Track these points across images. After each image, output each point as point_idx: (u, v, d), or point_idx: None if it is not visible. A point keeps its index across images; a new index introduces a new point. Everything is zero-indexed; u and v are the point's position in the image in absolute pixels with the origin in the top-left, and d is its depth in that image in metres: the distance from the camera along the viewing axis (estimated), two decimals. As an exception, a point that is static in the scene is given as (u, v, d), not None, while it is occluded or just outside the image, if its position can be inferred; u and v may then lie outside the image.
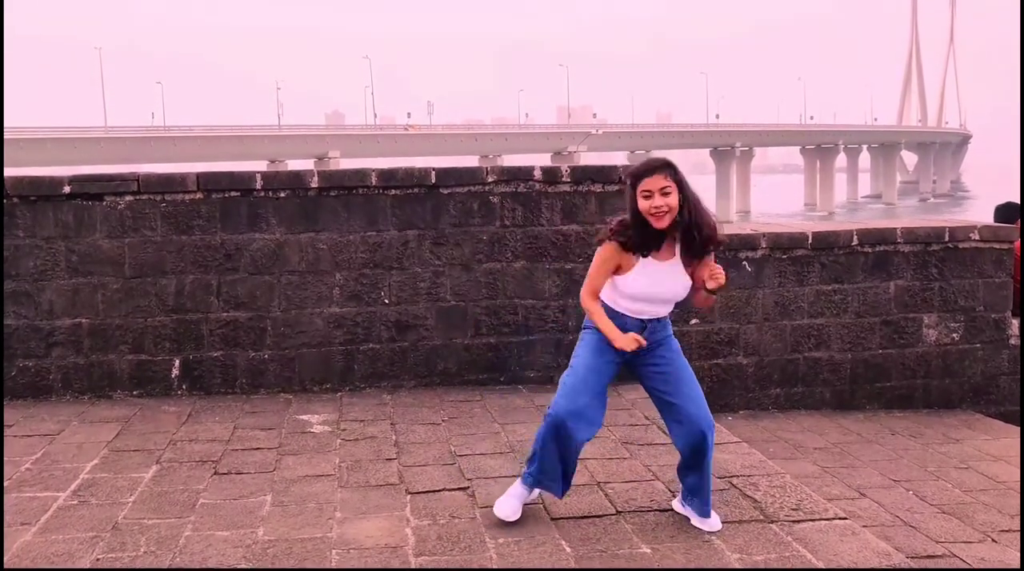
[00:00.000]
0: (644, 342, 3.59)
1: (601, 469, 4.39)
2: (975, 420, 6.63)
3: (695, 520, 3.72)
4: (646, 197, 3.48)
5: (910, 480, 5.14)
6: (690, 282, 3.64)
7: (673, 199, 3.47)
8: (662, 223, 3.49)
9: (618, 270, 3.62)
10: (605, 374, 3.70)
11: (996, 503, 4.80)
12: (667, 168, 3.51)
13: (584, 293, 3.72)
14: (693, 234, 3.54)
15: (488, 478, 4.25)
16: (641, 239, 3.54)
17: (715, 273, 3.56)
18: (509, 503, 3.77)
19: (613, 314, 3.69)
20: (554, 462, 3.67)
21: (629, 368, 3.75)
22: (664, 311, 3.71)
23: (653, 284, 3.60)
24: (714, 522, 3.70)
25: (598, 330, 3.71)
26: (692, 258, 3.61)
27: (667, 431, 3.86)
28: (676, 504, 3.87)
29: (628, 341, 3.59)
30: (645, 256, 3.57)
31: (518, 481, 3.82)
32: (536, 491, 3.83)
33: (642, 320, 3.66)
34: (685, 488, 3.77)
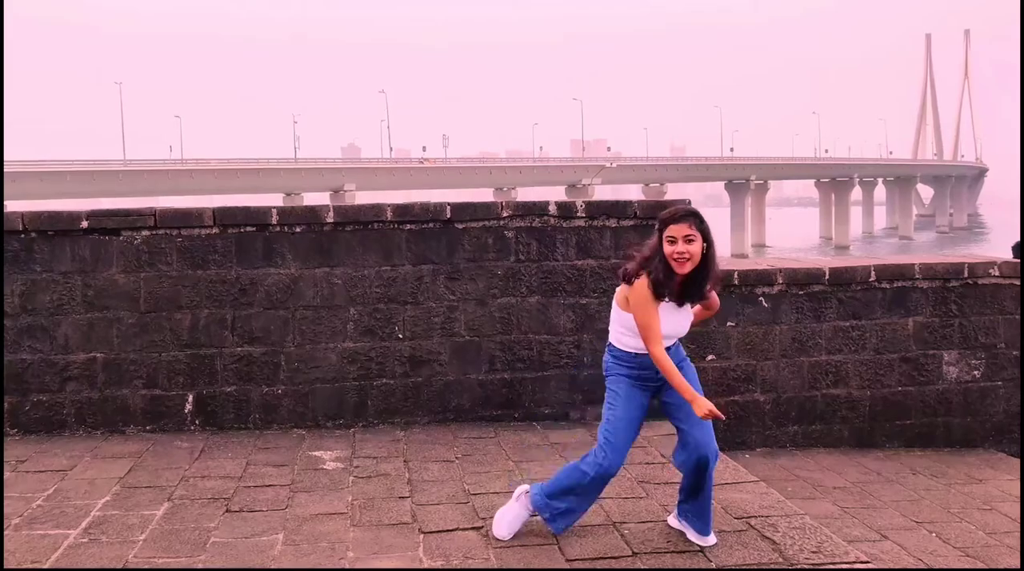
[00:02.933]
0: (721, 415, 3.61)
1: (617, 509, 4.32)
2: (997, 459, 6.51)
3: (691, 535, 3.90)
4: (671, 242, 3.64)
5: (933, 521, 5.04)
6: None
7: (696, 247, 3.62)
8: (683, 269, 3.63)
9: None
10: (639, 420, 3.88)
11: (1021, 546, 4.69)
12: (693, 217, 3.67)
13: (655, 346, 3.66)
14: (699, 281, 3.69)
15: (502, 518, 4.18)
16: (664, 281, 3.65)
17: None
18: (509, 524, 3.95)
19: (634, 357, 3.80)
20: (584, 508, 3.91)
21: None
22: (672, 343, 3.86)
23: (677, 324, 3.78)
24: (711, 538, 3.88)
25: (624, 376, 3.83)
26: (688, 300, 3.76)
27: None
28: (672, 520, 4.06)
29: (707, 408, 3.57)
30: (665, 299, 3.68)
31: (527, 507, 3.94)
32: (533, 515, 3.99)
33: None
34: (685, 507, 3.93)
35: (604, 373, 3.96)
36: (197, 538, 3.96)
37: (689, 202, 6.14)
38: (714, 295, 3.91)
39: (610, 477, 3.84)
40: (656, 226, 3.71)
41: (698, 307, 3.91)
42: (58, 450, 5.33)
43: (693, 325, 3.91)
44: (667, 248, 3.63)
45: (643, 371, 3.82)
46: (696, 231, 3.62)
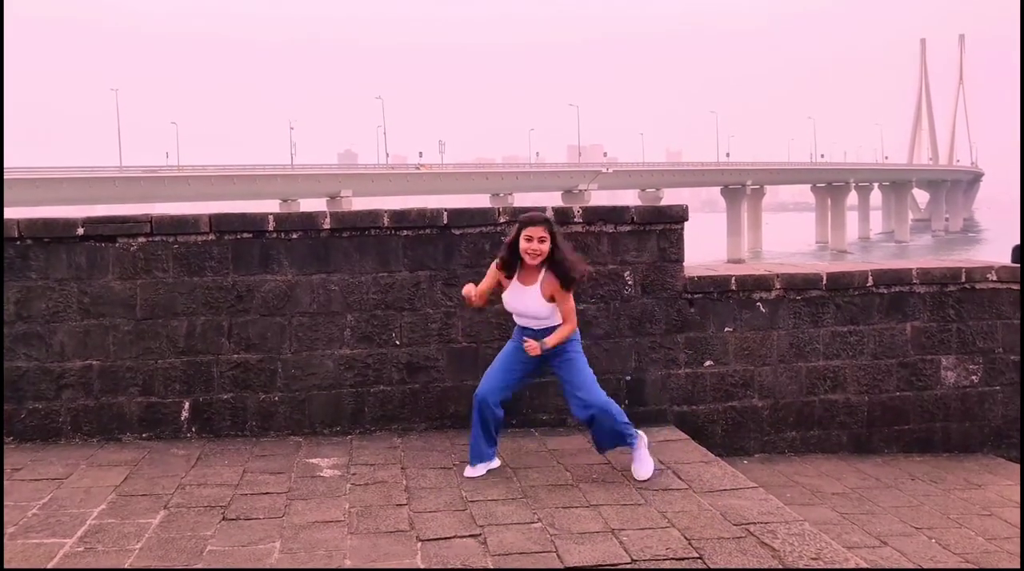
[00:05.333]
0: (537, 350, 4.77)
1: (615, 515, 4.31)
2: (997, 464, 6.51)
3: (633, 468, 4.85)
4: (527, 240, 4.71)
5: (932, 527, 5.03)
6: (547, 305, 4.76)
7: (545, 247, 4.70)
8: (534, 261, 4.72)
9: (499, 287, 4.90)
10: (511, 365, 4.92)
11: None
12: (547, 223, 4.73)
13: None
14: (563, 273, 4.70)
15: (500, 525, 4.17)
16: (511, 264, 4.80)
17: (530, 346, 4.79)
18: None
19: (520, 330, 4.95)
20: (482, 436, 4.90)
21: (545, 364, 4.95)
22: (535, 324, 4.84)
23: (515, 300, 4.85)
24: (645, 467, 4.85)
25: (512, 341, 4.98)
26: (561, 289, 4.73)
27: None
28: (635, 471, 4.86)
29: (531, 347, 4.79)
30: (511, 278, 4.83)
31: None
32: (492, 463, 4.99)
33: (529, 329, 4.86)
34: (611, 445, 4.97)
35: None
36: (193, 546, 3.94)
37: (684, 208, 6.17)
38: (569, 304, 4.80)
39: (480, 404, 4.83)
40: (516, 225, 4.76)
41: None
42: (54, 458, 5.30)
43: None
44: (523, 244, 4.70)
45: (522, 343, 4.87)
46: (548, 234, 4.68)
